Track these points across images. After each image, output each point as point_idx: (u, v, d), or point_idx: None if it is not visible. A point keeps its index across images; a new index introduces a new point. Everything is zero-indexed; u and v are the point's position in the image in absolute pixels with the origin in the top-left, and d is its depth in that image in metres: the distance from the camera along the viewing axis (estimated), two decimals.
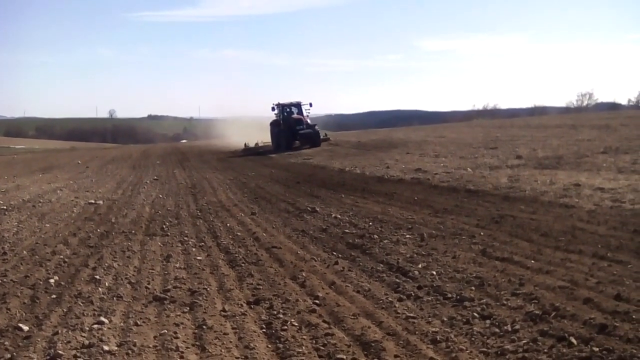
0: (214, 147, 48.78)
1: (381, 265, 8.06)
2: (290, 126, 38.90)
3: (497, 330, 5.39)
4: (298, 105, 41.41)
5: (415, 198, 13.75)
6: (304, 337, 5.54)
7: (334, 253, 9.02)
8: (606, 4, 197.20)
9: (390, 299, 6.53)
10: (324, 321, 5.90)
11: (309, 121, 39.72)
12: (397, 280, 7.25)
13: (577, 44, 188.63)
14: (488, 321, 5.64)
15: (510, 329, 5.36)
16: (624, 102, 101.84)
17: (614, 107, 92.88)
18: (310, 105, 41.01)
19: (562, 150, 22.24)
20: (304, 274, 7.74)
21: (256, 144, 42.26)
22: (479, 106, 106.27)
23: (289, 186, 18.65)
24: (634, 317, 5.26)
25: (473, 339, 5.27)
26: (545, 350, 4.85)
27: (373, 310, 6.13)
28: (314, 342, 5.39)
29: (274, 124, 40.98)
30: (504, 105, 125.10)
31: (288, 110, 41.01)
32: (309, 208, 13.30)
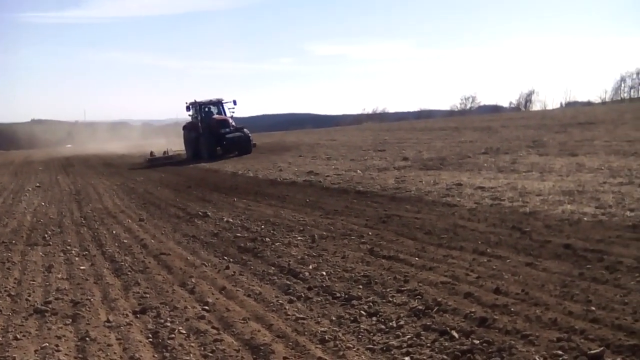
0: (104, 152, 46.87)
1: (272, 268, 8.08)
2: (212, 129, 32.14)
3: (383, 326, 5.55)
4: (219, 104, 34.79)
5: (307, 200, 13.89)
6: (192, 344, 5.45)
7: (225, 257, 8.94)
8: (487, 10, 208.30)
9: (280, 301, 6.56)
10: (213, 327, 5.83)
11: (233, 123, 33.43)
12: (288, 282, 7.29)
13: (461, 49, 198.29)
14: (374, 318, 5.79)
15: (395, 325, 5.53)
16: (505, 104, 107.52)
17: (495, 109, 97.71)
18: (235, 103, 34.16)
19: (445, 152, 23.23)
20: (193, 280, 7.61)
21: (165, 152, 36.09)
22: (369, 110, 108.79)
23: (180, 190, 18.31)
24: (512, 309, 5.56)
25: (360, 336, 5.39)
26: (429, 345, 5.04)
27: (263, 314, 6.13)
28: (202, 349, 5.32)
29: (189, 128, 34.32)
30: (392, 109, 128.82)
31: (206, 109, 34.40)
32: (200, 213, 13.11)
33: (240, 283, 7.45)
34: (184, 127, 35.13)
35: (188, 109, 34.41)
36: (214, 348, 5.28)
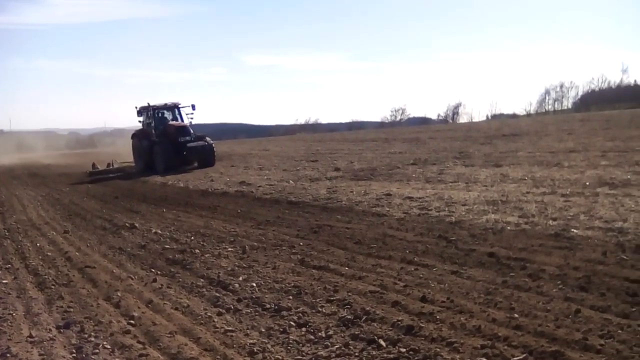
0: (30, 162, 45.13)
1: (202, 280, 7.94)
2: (170, 137, 28.28)
3: (312, 337, 5.54)
4: (174, 108, 30.85)
5: (239, 211, 13.78)
6: (117, 359, 5.29)
7: (153, 270, 8.74)
8: (416, 25, 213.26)
9: (209, 313, 6.45)
10: (139, 341, 5.68)
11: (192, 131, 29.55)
12: (217, 294, 7.18)
13: (392, 62, 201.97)
14: (304, 329, 5.78)
15: (324, 335, 5.54)
16: (433, 116, 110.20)
17: (424, 121, 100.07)
18: (193, 108, 30.16)
19: (376, 163, 23.57)
20: (119, 294, 7.39)
21: (109, 164, 32.33)
22: (302, 120, 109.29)
23: (107, 202, 17.86)
24: (437, 317, 5.66)
25: (289, 347, 5.36)
26: (357, 354, 5.06)
27: (191, 327, 6.01)
28: None
29: (140, 136, 30.24)
30: (324, 120, 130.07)
31: (159, 114, 30.48)
32: (127, 224, 12.81)
33: (168, 296, 7.29)
34: (134, 135, 31.00)
35: (139, 113, 30.76)
36: None
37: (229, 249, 9.63)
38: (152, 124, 29.84)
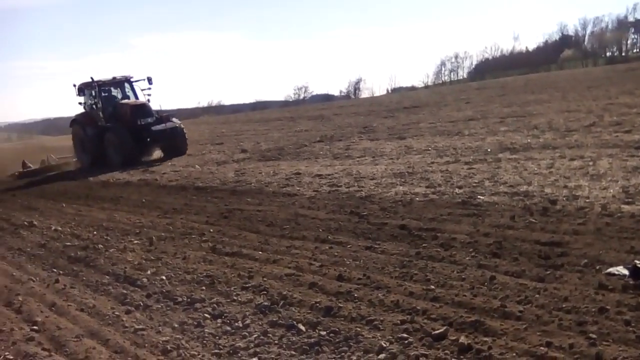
0: None
1: (107, 277, 7.52)
2: (126, 121, 22.34)
3: (228, 328, 5.34)
4: (123, 83, 24.44)
5: (144, 200, 13.26)
6: None
7: (55, 270, 8.20)
8: (311, 3, 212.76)
9: (117, 312, 6.09)
10: (44, 348, 5.29)
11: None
12: (125, 291, 6.80)
13: (290, 40, 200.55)
14: (219, 320, 5.57)
15: (241, 325, 5.36)
16: (336, 93, 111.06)
17: (327, 98, 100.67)
18: (150, 82, 23.63)
19: (283, 142, 23.45)
20: (20, 298, 6.88)
21: (43, 161, 25.27)
22: (204, 103, 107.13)
23: (3, 200, 16.80)
24: (355, 295, 5.62)
25: (205, 341, 5.13)
26: (276, 342, 4.93)
27: (98, 329, 5.66)
28: None
29: (82, 122, 23.84)
30: (228, 101, 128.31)
31: (105, 91, 23.96)
32: (25, 222, 12.03)
33: (72, 297, 6.85)
34: (74, 121, 24.58)
35: (81, 92, 24.28)
36: None
37: (135, 242, 9.21)
38: (100, 105, 23.51)
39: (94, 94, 23.82)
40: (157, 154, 23.92)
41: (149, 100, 23.55)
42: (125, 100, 23.75)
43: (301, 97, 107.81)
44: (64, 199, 15.22)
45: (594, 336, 4.18)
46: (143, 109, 22.66)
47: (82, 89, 24.21)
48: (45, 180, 21.15)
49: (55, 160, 25.31)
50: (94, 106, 23.82)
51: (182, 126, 23.59)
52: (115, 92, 24.44)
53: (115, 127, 22.30)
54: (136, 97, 24.21)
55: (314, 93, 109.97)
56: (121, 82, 24.36)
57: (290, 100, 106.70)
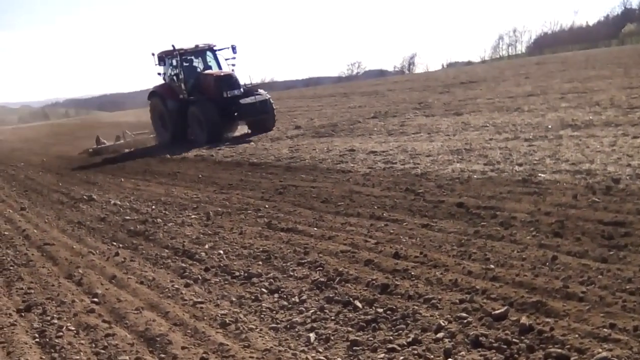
0: None
1: (166, 250, 7.67)
2: (211, 93, 20.56)
3: (285, 303, 5.37)
4: (205, 52, 22.59)
5: (200, 176, 13.44)
6: (82, 341, 5.02)
7: (114, 243, 8.41)
8: None
9: (176, 286, 6.20)
10: (104, 321, 5.41)
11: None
12: (184, 264, 6.92)
13: (344, 16, 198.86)
14: (276, 295, 5.60)
15: (298, 300, 5.37)
16: (390, 68, 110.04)
17: (381, 74, 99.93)
18: (234, 50, 21.59)
19: (336, 118, 23.30)
20: (80, 271, 7.07)
21: (118, 137, 23.81)
22: (257, 80, 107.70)
23: (63, 174, 17.31)
24: (412, 273, 5.53)
25: (262, 315, 5.18)
26: (333, 318, 4.92)
27: (158, 301, 5.76)
28: (93, 345, 4.90)
29: (162, 95, 22.08)
30: (280, 77, 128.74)
31: (187, 61, 22.15)
32: (85, 196, 12.37)
33: (132, 270, 7.00)
34: (152, 94, 22.80)
35: (161, 61, 22.35)
36: (106, 344, 4.87)
37: (193, 216, 9.35)
38: (180, 77, 21.55)
39: (175, 63, 21.92)
40: (241, 129, 22.68)
41: (233, 71, 21.68)
42: (209, 71, 21.88)
43: (354, 72, 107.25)
44: (122, 174, 15.58)
45: None
46: (229, 80, 20.71)
47: (163, 58, 22.31)
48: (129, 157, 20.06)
49: (130, 136, 23.93)
50: (175, 77, 21.92)
51: (272, 100, 21.67)
52: (197, 62, 22.64)
53: (200, 100, 20.55)
54: (219, 67, 22.41)
55: (368, 69, 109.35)
56: (203, 51, 22.49)
57: (344, 76, 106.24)
